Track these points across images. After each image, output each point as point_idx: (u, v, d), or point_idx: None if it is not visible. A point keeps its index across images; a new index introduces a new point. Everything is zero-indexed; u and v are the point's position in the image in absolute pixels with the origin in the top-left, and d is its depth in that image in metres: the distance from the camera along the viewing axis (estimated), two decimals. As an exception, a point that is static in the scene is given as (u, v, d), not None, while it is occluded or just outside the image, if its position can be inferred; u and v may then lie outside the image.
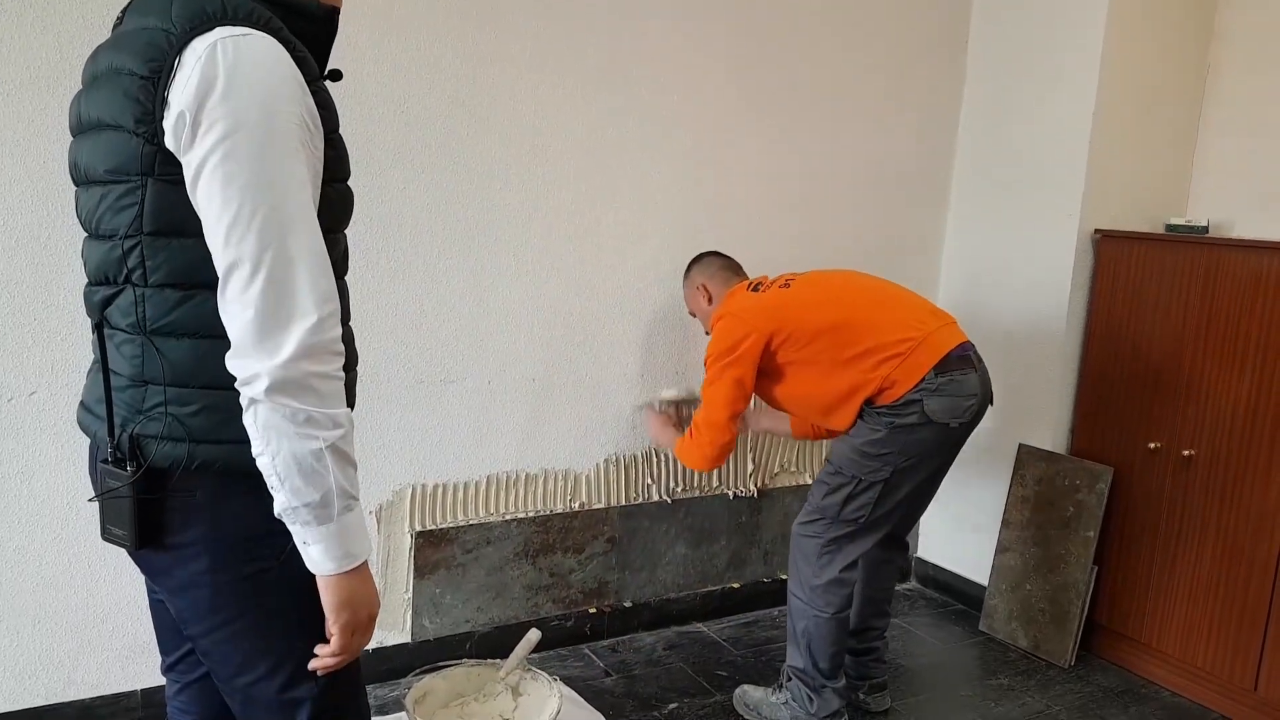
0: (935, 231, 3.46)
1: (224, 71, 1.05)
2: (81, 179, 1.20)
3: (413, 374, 2.60)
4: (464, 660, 2.50)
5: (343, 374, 1.12)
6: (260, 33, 1.09)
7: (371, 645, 2.65)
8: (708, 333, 2.60)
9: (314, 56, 1.20)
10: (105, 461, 1.18)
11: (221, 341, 1.10)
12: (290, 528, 1.12)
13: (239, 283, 1.06)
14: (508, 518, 2.80)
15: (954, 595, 3.48)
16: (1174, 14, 3.04)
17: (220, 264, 1.07)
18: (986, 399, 2.43)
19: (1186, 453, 2.80)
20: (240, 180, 1.05)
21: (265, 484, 1.12)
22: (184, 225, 1.10)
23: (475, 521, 2.75)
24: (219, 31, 1.07)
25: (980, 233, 3.35)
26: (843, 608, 2.46)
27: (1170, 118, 3.11)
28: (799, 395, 2.47)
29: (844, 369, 2.36)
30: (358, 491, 1.15)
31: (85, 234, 1.22)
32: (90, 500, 1.20)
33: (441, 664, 2.43)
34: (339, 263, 1.25)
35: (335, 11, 1.26)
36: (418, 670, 2.44)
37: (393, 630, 2.69)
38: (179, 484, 1.16)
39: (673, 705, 2.66)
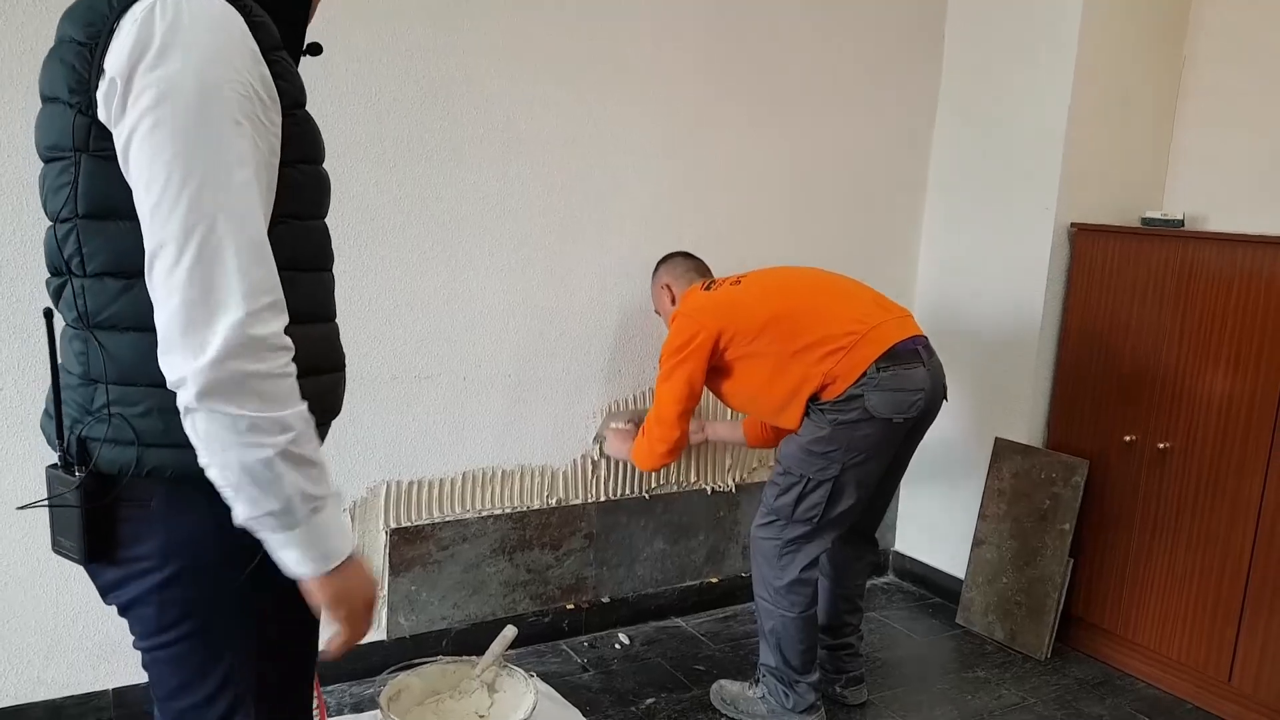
0: (912, 226, 3.46)
1: (160, 33, 0.96)
2: (40, 156, 1.11)
3: (387, 370, 2.58)
4: (439, 657, 2.48)
5: (290, 370, 1.02)
6: None
7: (346, 643, 2.64)
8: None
9: (285, 27, 1.12)
10: (53, 466, 1.09)
11: None
12: (258, 535, 1.03)
13: (163, 267, 0.96)
14: (484, 514, 2.79)
15: (931, 588, 3.49)
16: (1149, 7, 3.05)
17: (147, 245, 0.98)
18: (937, 394, 2.39)
19: (1162, 445, 2.81)
20: (168, 152, 0.95)
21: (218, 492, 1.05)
22: (120, 205, 1.00)
23: (451, 518, 2.73)
24: None
25: (957, 227, 3.35)
26: (808, 606, 2.45)
27: (1146, 111, 3.11)
28: (748, 392, 2.47)
29: (790, 363, 2.34)
30: (326, 488, 1.05)
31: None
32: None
33: (417, 661, 2.42)
34: (316, 254, 1.18)
35: None
36: (392, 668, 2.42)
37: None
38: (129, 492, 1.07)
39: (650, 700, 2.66)
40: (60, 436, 1.09)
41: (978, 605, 3.19)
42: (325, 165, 1.21)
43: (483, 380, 2.71)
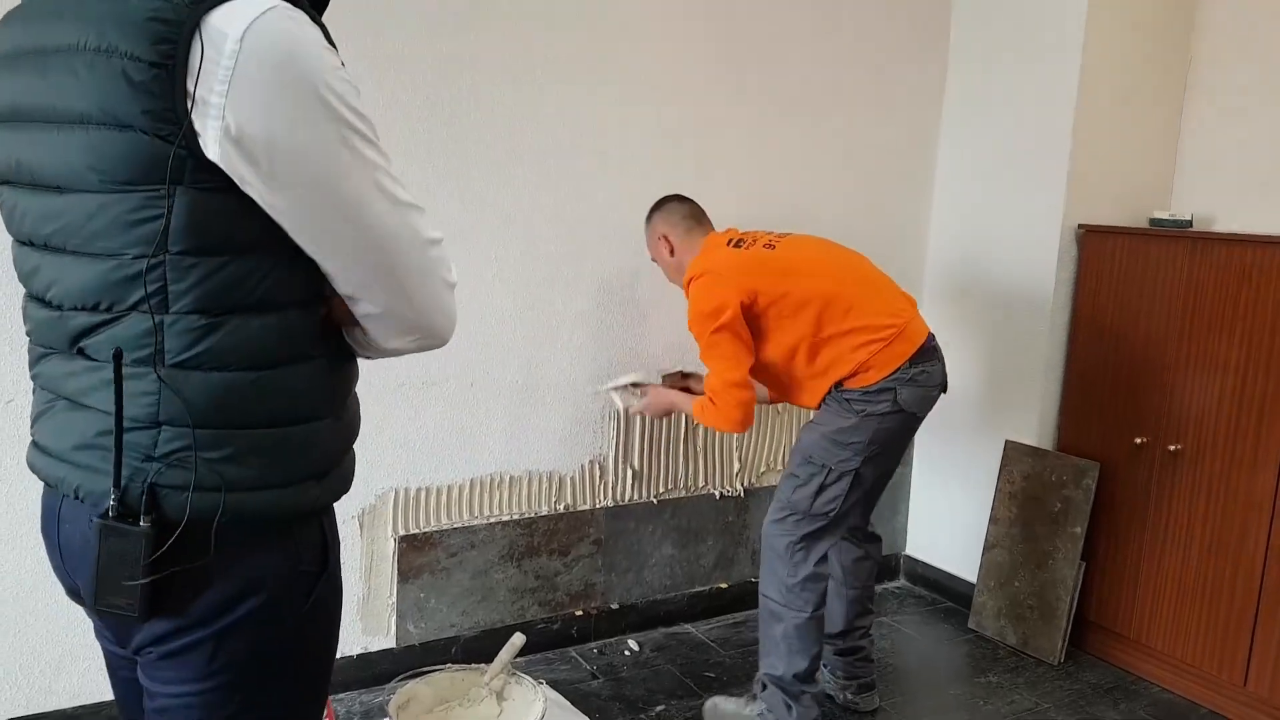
0: (919, 227, 3.45)
1: (272, 58, 0.91)
2: (28, 180, 1.00)
3: (394, 377, 2.58)
4: (448, 665, 2.48)
5: (451, 268, 1.12)
6: (285, 4, 0.94)
7: (355, 650, 2.64)
8: (673, 280, 2.58)
9: None
10: (105, 517, 0.97)
11: (262, 373, 0.99)
12: None
13: (384, 273, 1.05)
14: (492, 520, 2.78)
15: (942, 593, 3.47)
16: (1155, 6, 3.04)
17: (349, 277, 1.04)
18: (944, 388, 2.45)
19: (1173, 447, 2.79)
20: (346, 195, 0.98)
21: (295, 532, 1.04)
22: (222, 243, 0.96)
23: (459, 525, 2.73)
24: (242, 7, 0.91)
25: (964, 228, 3.34)
26: (820, 604, 2.42)
27: (1153, 111, 3.10)
28: (770, 360, 2.40)
29: (825, 344, 2.33)
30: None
31: (42, 248, 1.02)
32: (102, 590, 0.98)
33: (426, 669, 2.42)
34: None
35: None
36: (402, 676, 2.42)
37: (377, 635, 2.67)
38: (202, 541, 0.98)
39: (660, 708, 2.65)
40: (118, 484, 0.97)
41: (990, 609, 3.17)
42: None
43: (490, 386, 2.71)
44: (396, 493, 2.63)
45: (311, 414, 1.05)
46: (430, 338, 1.13)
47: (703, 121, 2.94)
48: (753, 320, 2.34)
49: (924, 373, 2.35)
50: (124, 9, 0.91)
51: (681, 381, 2.76)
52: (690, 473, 3.11)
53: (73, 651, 2.30)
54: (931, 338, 2.42)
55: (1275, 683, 2.60)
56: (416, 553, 2.68)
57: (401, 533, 2.65)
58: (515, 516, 2.82)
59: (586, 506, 2.93)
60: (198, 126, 0.91)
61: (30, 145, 0.98)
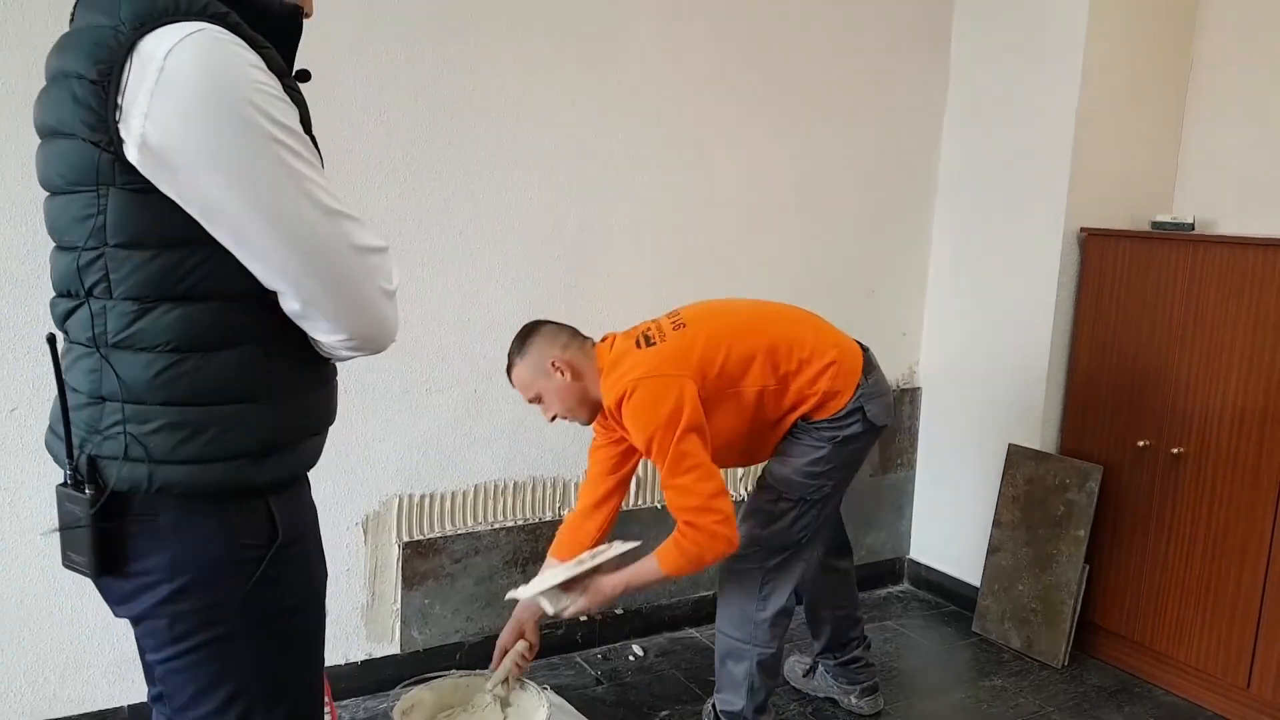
0: (923, 233, 3.45)
1: (186, 75, 1.00)
2: (45, 187, 1.16)
3: (398, 384, 2.59)
4: (452, 671, 2.48)
5: (393, 279, 1.18)
6: (214, 26, 1.03)
7: (360, 656, 2.65)
8: (571, 414, 2.24)
9: (282, 54, 1.15)
10: (63, 484, 1.12)
11: (186, 355, 1.08)
12: None
13: (310, 281, 1.10)
14: (496, 526, 2.79)
15: (946, 596, 3.47)
16: (1156, 9, 3.04)
17: (273, 284, 1.10)
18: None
19: (1175, 450, 2.79)
20: (244, 194, 1.04)
21: (232, 507, 1.10)
22: (147, 236, 1.06)
23: (463, 531, 2.74)
24: (173, 29, 1.01)
25: (967, 232, 3.35)
26: (784, 635, 2.33)
27: (1154, 114, 3.10)
28: (731, 430, 2.22)
29: (780, 390, 2.21)
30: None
31: (54, 246, 1.18)
32: (44, 534, 1.18)
33: (430, 675, 2.42)
34: None
35: (299, 10, 1.21)
36: (406, 682, 2.42)
37: (381, 641, 2.68)
38: (140, 508, 1.11)
39: (664, 713, 2.65)
40: (70, 455, 1.11)
41: (994, 613, 3.17)
42: (335, 186, 1.23)
43: (494, 393, 2.72)
44: (401, 499, 2.63)
45: (241, 396, 1.12)
46: (364, 341, 1.18)
47: (705, 125, 2.95)
48: (708, 400, 2.14)
49: (877, 381, 2.30)
50: (86, 39, 1.05)
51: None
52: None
53: (78, 659, 2.31)
54: (862, 344, 2.36)
55: (1279, 686, 2.60)
56: (421, 559, 2.68)
57: (406, 539, 2.65)
58: (519, 522, 2.83)
59: (590, 512, 2.93)
60: (122, 134, 1.02)
61: (43, 157, 1.14)
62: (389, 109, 2.47)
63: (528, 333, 2.23)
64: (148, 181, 1.04)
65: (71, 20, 1.15)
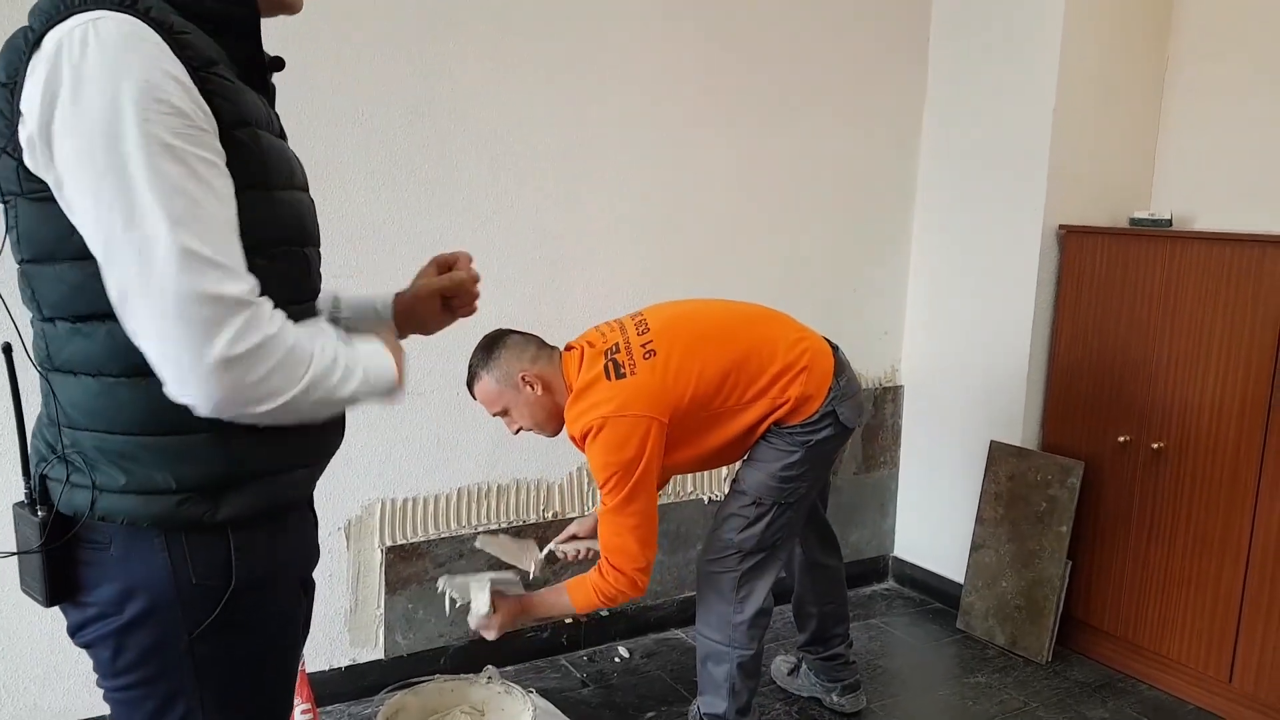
0: (903, 232, 3.46)
1: (69, 70, 0.91)
2: None
3: (379, 388, 2.57)
4: (437, 676, 2.48)
5: (281, 337, 0.99)
6: (116, 14, 0.93)
7: (343, 662, 2.63)
8: (539, 427, 2.23)
9: (240, 45, 1.06)
10: (20, 504, 1.07)
11: (119, 380, 1.01)
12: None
13: (132, 315, 0.95)
14: (480, 530, 2.78)
15: (931, 594, 3.48)
16: (1132, 8, 3.06)
17: (111, 293, 0.95)
18: None
19: (1155, 445, 2.81)
20: (106, 196, 0.92)
21: (185, 542, 1.04)
22: (59, 248, 0.98)
23: (447, 535, 2.73)
24: (72, 21, 0.92)
25: (947, 231, 3.36)
26: (763, 636, 2.34)
27: (1131, 111, 3.13)
28: (701, 452, 2.23)
29: (753, 403, 2.19)
30: (355, 368, 1.09)
31: None
32: (2, 556, 1.10)
33: (414, 680, 2.41)
34: (299, 282, 1.13)
35: None
36: (390, 687, 2.42)
37: (365, 647, 2.66)
38: (89, 535, 1.05)
39: (650, 714, 2.65)
40: (26, 474, 1.08)
41: (978, 610, 3.18)
42: (314, 187, 1.19)
43: (475, 396, 2.71)
44: (383, 504, 2.62)
45: (185, 427, 1.02)
46: (174, 393, 0.98)
47: (685, 126, 2.95)
48: (679, 424, 2.13)
49: (849, 381, 2.29)
50: (8, 46, 0.97)
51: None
52: (678, 478, 3.11)
53: (59, 667, 2.29)
54: (831, 342, 2.35)
55: (1260, 679, 2.62)
56: (404, 563, 2.67)
57: (389, 544, 2.64)
58: (503, 525, 2.82)
59: (575, 514, 2.93)
60: (21, 136, 0.95)
61: None
62: (367, 111, 2.46)
63: (492, 343, 2.19)
64: (47, 188, 0.96)
65: None
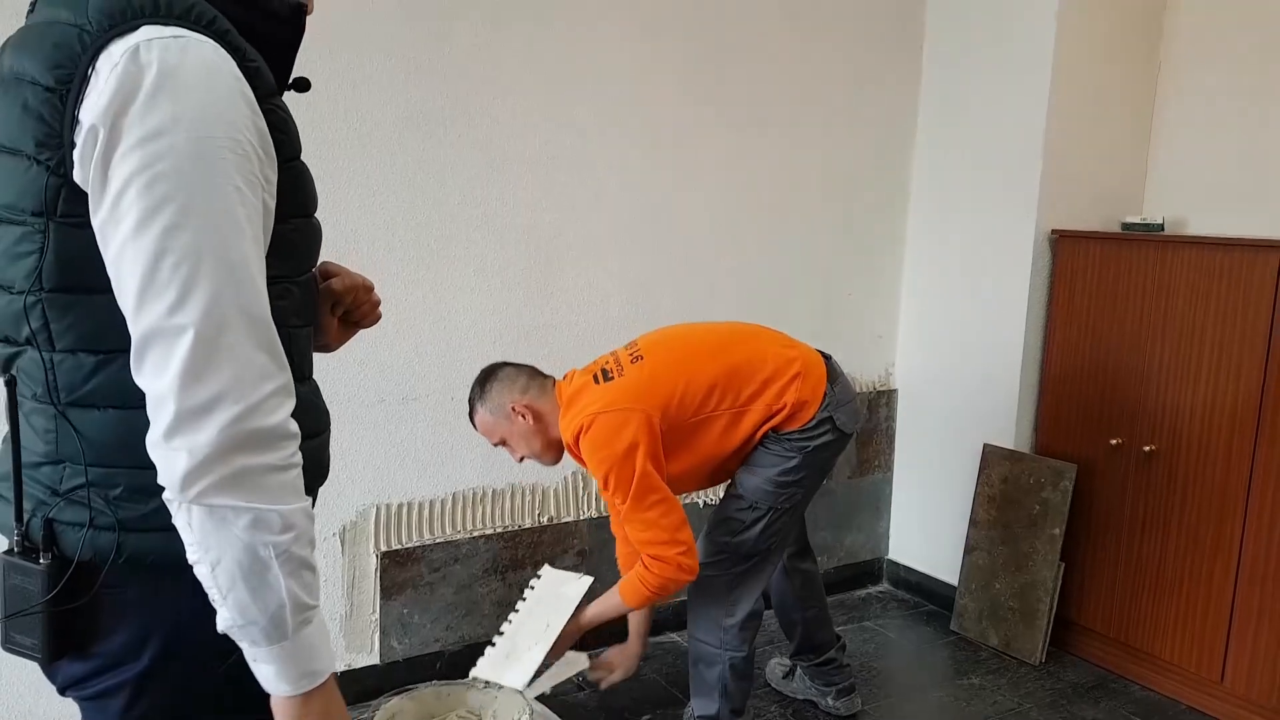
0: (897, 235, 3.48)
1: (147, 81, 0.83)
2: None
3: (373, 393, 2.57)
4: (433, 681, 2.47)
5: (297, 460, 0.92)
6: (198, 35, 0.87)
7: (339, 668, 2.63)
8: (534, 454, 2.28)
9: (274, 65, 1.00)
10: (10, 553, 0.96)
11: (140, 412, 0.92)
12: (239, 644, 0.93)
13: (158, 354, 0.86)
14: (475, 534, 2.78)
15: (925, 596, 3.49)
16: (1123, 13, 3.08)
17: (135, 327, 0.86)
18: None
19: (1147, 448, 2.83)
20: (160, 224, 0.84)
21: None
22: (97, 279, 0.89)
23: (442, 539, 2.73)
24: (145, 31, 0.85)
25: (940, 235, 3.37)
26: (755, 638, 2.35)
27: (1124, 116, 3.14)
28: (697, 457, 2.23)
29: (745, 411, 2.20)
30: (317, 597, 0.95)
31: None
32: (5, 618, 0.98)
33: (410, 685, 2.41)
34: (300, 311, 1.07)
35: (301, 9, 1.05)
36: (386, 693, 2.41)
37: (360, 652, 2.66)
38: (106, 580, 0.95)
39: (645, 717, 2.66)
40: (19, 519, 0.97)
41: (971, 612, 3.20)
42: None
43: (470, 400, 2.71)
44: (378, 509, 2.62)
45: None
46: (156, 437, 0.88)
47: (679, 131, 2.95)
48: (670, 431, 2.14)
49: (843, 388, 2.32)
50: (45, 38, 0.88)
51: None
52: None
53: (43, 679, 2.28)
54: (823, 352, 2.37)
55: (1251, 679, 2.63)
56: (399, 568, 2.67)
57: (384, 549, 2.64)
58: (498, 530, 2.82)
59: (570, 518, 2.94)
60: (77, 154, 0.86)
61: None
62: (361, 116, 2.46)
63: (486, 377, 2.25)
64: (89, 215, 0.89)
65: (30, 12, 0.97)
